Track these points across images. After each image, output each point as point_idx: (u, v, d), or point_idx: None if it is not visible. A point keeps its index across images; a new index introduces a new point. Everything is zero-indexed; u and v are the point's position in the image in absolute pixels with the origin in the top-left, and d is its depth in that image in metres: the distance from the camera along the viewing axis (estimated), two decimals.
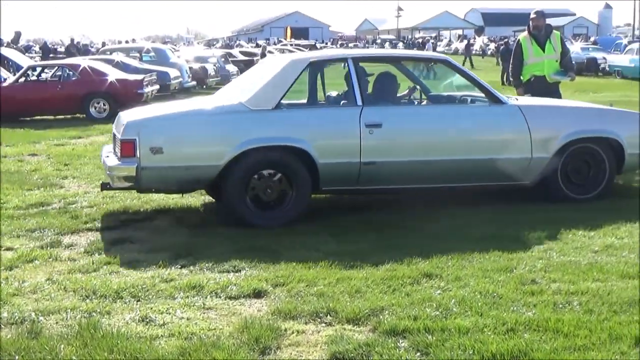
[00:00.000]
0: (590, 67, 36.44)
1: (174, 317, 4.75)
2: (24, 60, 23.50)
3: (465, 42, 54.23)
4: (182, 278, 5.52)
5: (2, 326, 4.61)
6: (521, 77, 10.16)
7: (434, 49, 63.83)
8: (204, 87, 28.10)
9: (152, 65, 23.47)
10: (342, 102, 7.70)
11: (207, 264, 5.84)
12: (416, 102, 8.26)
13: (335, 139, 7.29)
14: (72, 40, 44.30)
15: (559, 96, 9.91)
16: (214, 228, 7.04)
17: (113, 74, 18.69)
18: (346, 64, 7.59)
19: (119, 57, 23.69)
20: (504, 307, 4.71)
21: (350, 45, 64.70)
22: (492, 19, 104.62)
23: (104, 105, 17.93)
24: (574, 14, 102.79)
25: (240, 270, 5.71)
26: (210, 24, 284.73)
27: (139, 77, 19.08)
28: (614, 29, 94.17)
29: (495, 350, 4.03)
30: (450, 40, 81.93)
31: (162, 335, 4.43)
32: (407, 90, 8.27)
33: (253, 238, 6.58)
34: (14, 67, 22.15)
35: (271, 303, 4.98)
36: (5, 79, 18.34)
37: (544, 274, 5.39)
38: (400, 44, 73.53)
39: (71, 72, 18.30)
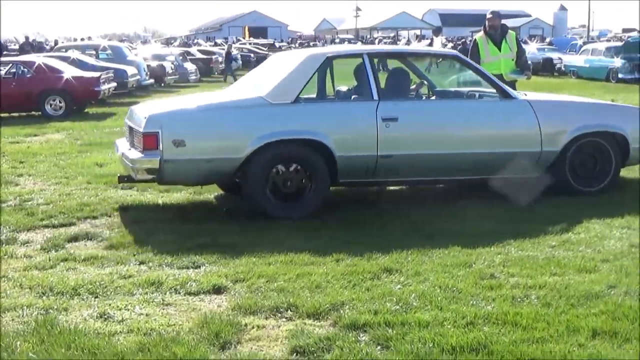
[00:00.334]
0: (546, 67, 36.87)
1: (133, 313, 4.70)
2: None
3: (427, 41, 54.56)
4: (141, 274, 5.47)
5: None
6: None
7: None
8: (162, 85, 27.92)
9: (108, 63, 23.22)
10: (358, 97, 7.81)
11: (166, 260, 5.80)
12: (430, 97, 8.43)
13: (353, 132, 7.42)
14: (26, 38, 43.69)
15: None
16: (173, 224, 6.99)
17: (69, 72, 18.46)
18: (362, 59, 7.70)
19: (74, 54, 23.39)
20: (463, 301, 4.75)
21: (311, 44, 64.64)
22: (450, 19, 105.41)
23: (59, 102, 17.70)
24: (530, 16, 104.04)
25: (200, 267, 5.67)
26: (168, 23, 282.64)
27: (95, 74, 18.86)
28: (569, 30, 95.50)
29: (455, 343, 4.05)
30: (408, 40, 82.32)
31: (120, 332, 4.38)
32: (415, 85, 8.41)
33: (214, 234, 6.55)
34: None
35: (231, 299, 4.96)
36: None
37: (503, 269, 5.44)
38: (359, 43, 73.66)
39: (26, 69, 18.03)
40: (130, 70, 23.51)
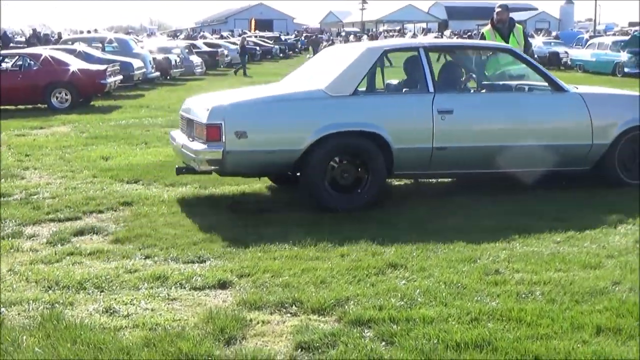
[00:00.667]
0: (553, 61, 36.77)
1: (138, 307, 4.71)
2: None
3: (434, 34, 54.46)
4: (147, 269, 5.48)
5: None
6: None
7: None
8: (168, 78, 27.95)
9: (115, 56, 23.24)
10: (414, 89, 7.90)
11: (171, 255, 5.81)
12: (481, 90, 8.50)
13: (410, 124, 7.51)
14: (34, 30, 43.72)
15: None
16: (179, 218, 7.00)
17: (75, 64, 18.48)
18: (418, 53, 7.76)
19: (81, 47, 23.41)
20: (468, 297, 4.75)
21: (320, 36, 64.57)
22: (456, 12, 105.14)
23: (65, 95, 17.73)
24: (536, 9, 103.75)
25: (205, 261, 5.69)
26: (173, 15, 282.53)
27: (101, 67, 18.88)
28: (576, 24, 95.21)
29: (460, 339, 4.06)
30: (414, 34, 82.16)
31: (126, 326, 4.40)
32: (465, 78, 8.57)
33: (219, 228, 6.56)
34: None
35: (236, 294, 4.96)
36: None
37: (508, 264, 5.44)
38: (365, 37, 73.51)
39: (32, 62, 18.06)
40: (136, 63, 23.54)
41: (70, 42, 27.07)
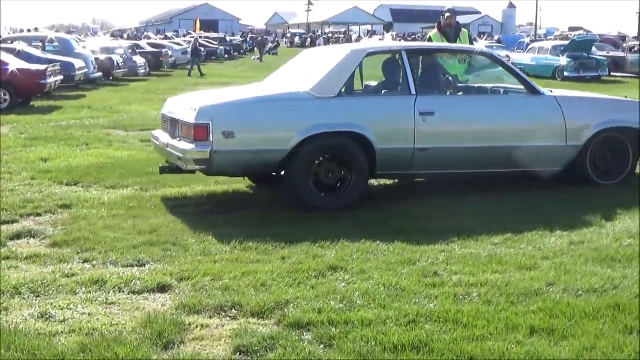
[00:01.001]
0: None
1: (75, 312, 4.66)
2: None
3: (378, 37, 54.80)
4: (85, 273, 5.42)
5: None
6: None
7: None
8: (111, 78, 27.59)
9: (56, 56, 22.85)
10: (396, 91, 8.13)
11: (111, 258, 5.76)
12: (463, 93, 8.72)
13: (392, 125, 7.68)
14: None
15: None
16: (119, 221, 6.92)
17: (14, 64, 18.13)
18: (400, 55, 7.98)
19: (20, 46, 22.97)
20: (406, 299, 4.80)
21: (265, 38, 64.53)
22: (401, 15, 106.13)
23: (4, 95, 17.38)
24: (480, 13, 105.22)
25: (145, 265, 5.64)
26: (117, 15, 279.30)
27: (41, 67, 18.57)
28: (518, 28, 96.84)
29: (397, 341, 4.10)
30: (359, 36, 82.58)
31: (62, 332, 4.34)
32: (444, 81, 8.77)
33: (160, 231, 6.51)
34: None
35: (176, 297, 4.94)
36: None
37: (446, 267, 5.51)
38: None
39: None
40: (78, 63, 23.20)
41: (9, 42, 26.51)
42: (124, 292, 5.05)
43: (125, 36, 63.50)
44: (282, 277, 5.26)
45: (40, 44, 25.59)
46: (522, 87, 8.32)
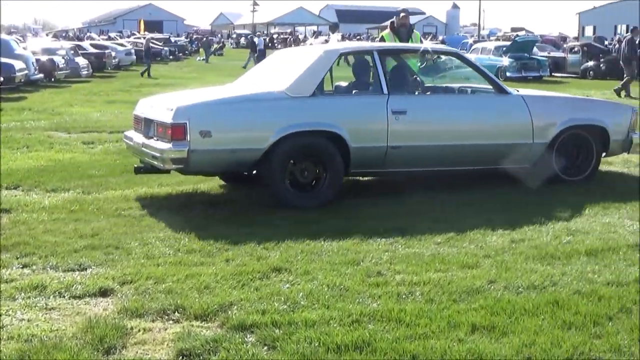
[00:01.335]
0: None
1: (14, 318, 4.57)
2: None
3: (324, 37, 54.93)
4: (24, 278, 5.32)
5: None
6: None
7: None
8: (52, 80, 27.15)
9: None
10: (368, 91, 8.29)
11: (51, 263, 5.66)
12: (434, 92, 8.94)
13: (366, 124, 7.83)
14: None
15: None
16: (60, 225, 6.81)
17: None
18: (372, 55, 8.17)
19: None
20: (350, 299, 4.82)
21: (211, 38, 64.06)
22: (346, 15, 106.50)
23: None
24: (424, 13, 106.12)
25: (86, 269, 5.56)
26: (59, 15, 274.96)
27: None
28: (461, 28, 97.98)
29: (340, 341, 4.11)
30: (305, 36, 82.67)
31: (0, 339, 4.25)
32: (412, 80, 9.02)
33: (102, 234, 6.44)
34: None
35: (118, 301, 4.88)
36: None
37: (390, 266, 5.55)
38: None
39: None
40: (18, 64, 22.77)
41: None
42: (64, 297, 4.97)
43: (68, 36, 62.53)
44: (226, 279, 5.24)
45: None
46: (490, 86, 8.54)
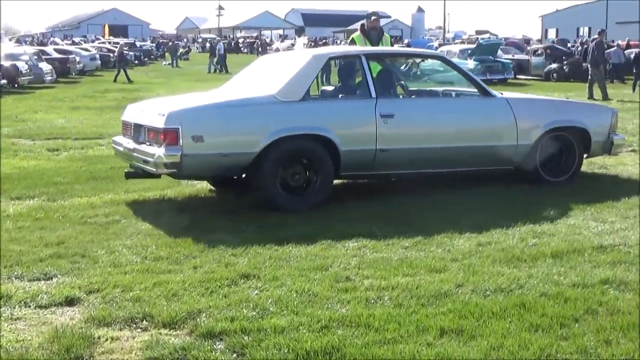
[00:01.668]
0: None
1: None
2: None
3: (290, 41, 54.90)
4: None
5: None
6: None
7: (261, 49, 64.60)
8: (16, 86, 26.84)
9: None
10: (356, 95, 8.41)
11: (16, 272, 5.60)
12: (421, 95, 9.20)
13: (355, 128, 7.95)
14: None
15: None
16: (25, 233, 6.74)
17: None
18: (360, 59, 8.24)
19: None
20: (319, 304, 4.82)
21: (177, 42, 63.58)
22: (312, 19, 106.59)
23: None
24: (390, 17, 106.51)
25: (52, 278, 5.50)
26: (22, 19, 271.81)
27: None
28: (427, 31, 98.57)
29: (310, 347, 4.11)
30: (271, 40, 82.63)
31: None
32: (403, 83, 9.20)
33: (68, 242, 6.38)
34: None
35: (84, 310, 4.83)
36: None
37: (358, 271, 5.56)
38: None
39: None
40: None
41: None
42: (30, 306, 4.91)
43: (31, 41, 61.87)
44: (194, 286, 5.22)
45: None
46: (475, 89, 8.69)
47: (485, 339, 4.23)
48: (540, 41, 60.48)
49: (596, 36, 23.90)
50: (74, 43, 57.39)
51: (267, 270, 5.57)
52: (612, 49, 31.72)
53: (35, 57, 31.00)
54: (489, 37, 53.74)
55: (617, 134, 9.24)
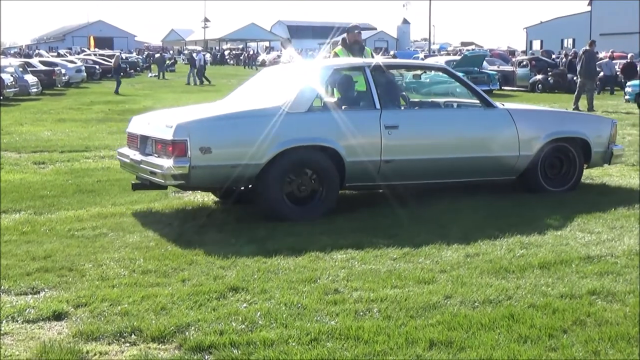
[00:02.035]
0: None
1: None
2: None
3: (277, 52, 54.99)
4: None
5: None
6: None
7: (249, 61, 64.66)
8: (1, 98, 26.71)
9: None
10: (360, 106, 8.50)
11: (3, 287, 5.55)
12: (424, 107, 9.42)
13: (360, 139, 8.00)
14: None
15: None
16: (11, 247, 6.69)
17: None
18: (364, 71, 8.37)
19: None
20: (308, 317, 4.81)
21: (163, 54, 63.46)
22: (298, 31, 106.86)
23: None
24: (375, 29, 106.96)
25: (39, 292, 5.47)
26: (7, 31, 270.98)
27: None
28: (412, 43, 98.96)
29: None
30: (257, 52, 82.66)
31: None
32: (407, 95, 9.34)
33: (55, 256, 6.34)
34: None
35: (72, 325, 4.80)
36: None
37: (347, 283, 5.55)
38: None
39: None
40: None
41: None
42: (17, 321, 4.88)
43: (15, 53, 61.64)
44: (183, 299, 5.20)
45: None
46: (477, 100, 8.81)
47: (474, 351, 4.24)
48: (525, 52, 60.85)
49: (587, 47, 23.38)
50: (59, 55, 57.25)
51: (255, 283, 5.56)
52: (604, 61, 31.93)
53: (21, 69, 30.89)
54: (475, 49, 54.03)
55: (616, 145, 9.41)
